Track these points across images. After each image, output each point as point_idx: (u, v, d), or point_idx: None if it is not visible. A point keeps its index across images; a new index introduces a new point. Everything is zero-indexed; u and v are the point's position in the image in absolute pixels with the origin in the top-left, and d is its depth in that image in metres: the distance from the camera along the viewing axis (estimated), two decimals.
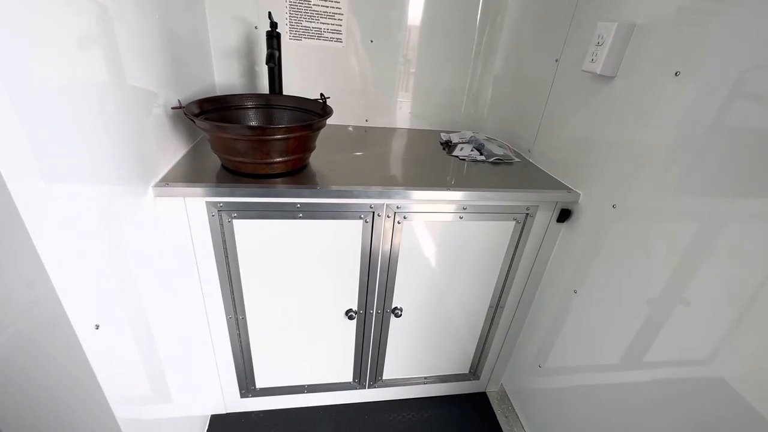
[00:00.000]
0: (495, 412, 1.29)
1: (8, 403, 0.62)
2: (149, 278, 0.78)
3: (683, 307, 0.69)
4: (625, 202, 0.82)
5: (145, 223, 0.76)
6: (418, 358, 1.22)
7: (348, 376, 1.21)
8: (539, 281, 1.11)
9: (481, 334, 1.20)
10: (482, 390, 1.36)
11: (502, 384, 1.34)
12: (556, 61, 1.03)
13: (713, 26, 0.64)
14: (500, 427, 1.24)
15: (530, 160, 1.14)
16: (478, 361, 1.27)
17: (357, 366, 1.19)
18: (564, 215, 0.98)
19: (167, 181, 0.80)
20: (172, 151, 0.90)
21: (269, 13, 1.01)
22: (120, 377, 0.68)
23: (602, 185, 0.88)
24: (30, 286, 0.50)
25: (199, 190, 0.80)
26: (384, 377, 1.23)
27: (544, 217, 0.99)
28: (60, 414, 0.64)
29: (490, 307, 1.14)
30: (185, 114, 0.80)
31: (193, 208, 0.83)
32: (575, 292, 0.96)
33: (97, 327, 0.60)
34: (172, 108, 0.82)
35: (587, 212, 0.93)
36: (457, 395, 1.34)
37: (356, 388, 1.24)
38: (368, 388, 1.24)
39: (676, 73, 0.69)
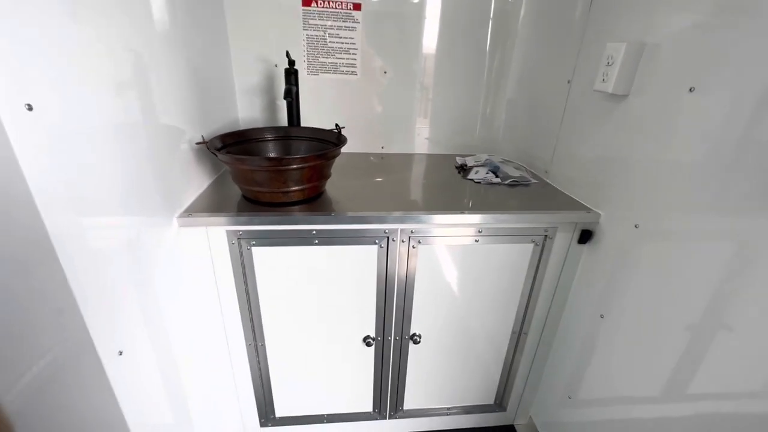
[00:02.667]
0: None
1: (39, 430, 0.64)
2: (172, 305, 0.81)
3: (727, 333, 0.64)
4: (649, 221, 0.78)
5: (169, 252, 0.80)
6: (440, 388, 1.18)
7: (368, 406, 1.18)
8: (564, 306, 1.06)
9: (505, 361, 1.15)
10: (510, 423, 1.28)
11: (531, 416, 1.26)
12: (569, 82, 1.03)
13: (727, 40, 0.63)
14: None
15: (548, 181, 1.13)
16: (504, 391, 1.21)
17: (377, 395, 1.16)
18: (585, 236, 0.95)
19: (191, 211, 0.84)
20: (197, 183, 0.95)
21: (287, 51, 1.07)
22: (142, 404, 0.70)
23: (624, 205, 0.85)
24: (59, 314, 0.54)
25: (219, 219, 0.84)
26: (405, 407, 1.19)
27: (564, 239, 0.96)
28: None
29: (513, 332, 1.10)
30: (208, 148, 0.85)
31: (214, 237, 0.87)
32: (602, 317, 0.91)
33: (121, 353, 0.62)
34: (197, 143, 0.88)
35: (609, 233, 0.90)
36: (483, 428, 1.27)
37: (376, 419, 1.20)
38: (389, 418, 1.21)
39: (690, 89, 0.68)
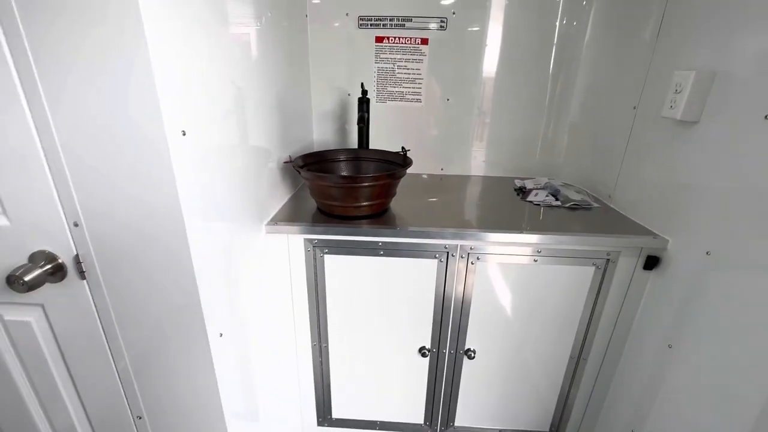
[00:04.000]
0: None
1: (148, 394, 0.78)
2: (253, 301, 0.92)
3: None
4: (724, 249, 0.76)
5: (256, 254, 0.93)
6: (492, 407, 1.18)
7: (419, 418, 1.21)
8: (628, 333, 1.03)
9: (562, 388, 1.13)
10: None
11: None
12: (634, 108, 1.04)
13: None
14: None
15: (611, 206, 1.12)
16: (560, 420, 1.18)
17: (429, 407, 1.19)
18: (651, 262, 0.93)
19: (276, 221, 0.97)
20: (280, 196, 1.09)
21: (362, 83, 1.20)
22: (230, 384, 0.81)
23: (695, 231, 0.83)
24: (184, 295, 0.66)
25: (299, 228, 0.96)
26: (456, 424, 1.20)
27: (627, 264, 0.95)
28: (183, 405, 0.78)
29: (571, 358, 1.08)
30: (293, 167, 0.98)
31: (293, 244, 0.99)
32: (670, 347, 0.88)
33: (221, 335, 0.74)
34: (284, 162, 1.01)
35: (679, 260, 0.87)
36: None
37: None
38: None
39: (766, 117, 0.67)
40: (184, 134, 0.58)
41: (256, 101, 0.92)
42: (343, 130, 1.44)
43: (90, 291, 0.67)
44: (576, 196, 1.15)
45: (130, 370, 0.74)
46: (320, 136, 1.44)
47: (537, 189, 1.23)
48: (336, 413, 1.22)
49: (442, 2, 1.25)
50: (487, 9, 1.25)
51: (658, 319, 0.93)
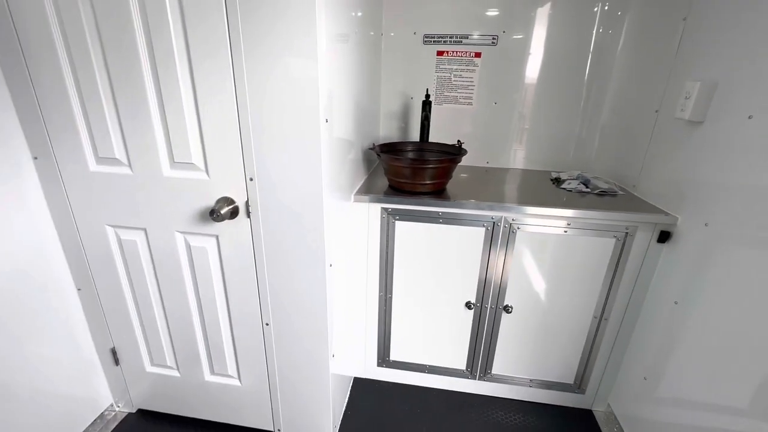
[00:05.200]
0: None
1: (277, 306, 1.08)
2: (340, 253, 1.22)
3: None
4: (718, 221, 0.97)
5: (345, 217, 1.22)
6: (525, 359, 1.41)
7: (461, 364, 1.46)
8: (644, 298, 1.23)
9: (585, 344, 1.34)
10: (588, 407, 1.44)
11: (609, 404, 1.40)
12: (656, 111, 1.25)
13: None
14: None
15: (635, 194, 1.33)
16: (583, 374, 1.39)
17: (470, 356, 1.44)
18: (664, 236, 1.14)
19: (360, 193, 1.26)
20: (360, 176, 1.39)
21: (427, 89, 1.49)
22: (331, 305, 1.10)
23: (698, 209, 1.04)
24: (314, 230, 0.96)
25: (378, 198, 1.25)
26: (493, 371, 1.44)
27: (643, 237, 1.16)
28: (298, 319, 1.08)
29: (594, 317, 1.29)
30: (375, 152, 1.28)
31: (372, 211, 1.28)
32: (676, 303, 1.08)
33: (331, 266, 1.04)
34: (369, 148, 1.31)
35: (686, 233, 1.08)
36: (561, 407, 1.45)
37: (467, 377, 1.47)
38: (478, 379, 1.47)
39: (749, 117, 0.89)
40: (327, 121, 0.89)
41: (341, 102, 1.16)
42: (404, 128, 1.72)
43: (251, 227, 0.99)
44: (604, 185, 1.36)
45: (267, 287, 1.05)
46: (385, 131, 1.74)
47: (570, 179, 1.46)
48: (393, 356, 1.50)
49: (495, 22, 1.51)
50: (531, 25, 1.49)
51: (670, 284, 1.13)
